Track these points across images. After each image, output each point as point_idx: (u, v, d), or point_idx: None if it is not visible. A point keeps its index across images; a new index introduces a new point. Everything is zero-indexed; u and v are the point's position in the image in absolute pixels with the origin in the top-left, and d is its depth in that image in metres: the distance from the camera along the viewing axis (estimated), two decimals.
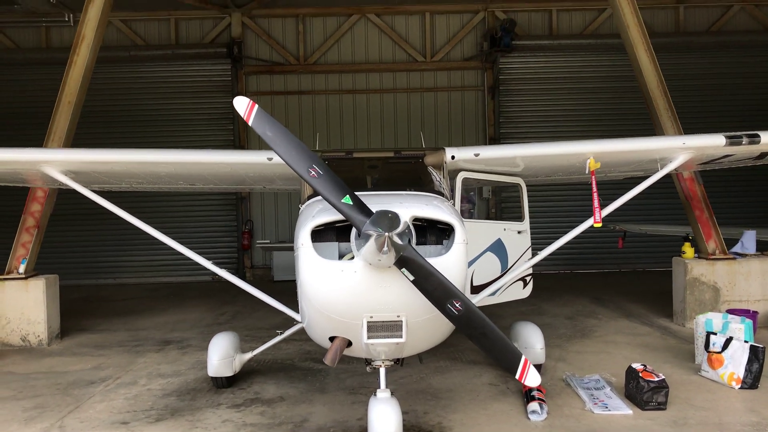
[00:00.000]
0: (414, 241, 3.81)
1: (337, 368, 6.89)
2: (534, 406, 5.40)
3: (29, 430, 5.43)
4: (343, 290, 3.82)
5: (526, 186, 6.58)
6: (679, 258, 9.15)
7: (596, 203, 5.77)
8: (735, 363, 6.15)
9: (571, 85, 15.43)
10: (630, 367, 5.83)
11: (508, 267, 6.29)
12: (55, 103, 8.65)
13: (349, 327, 3.99)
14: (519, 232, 6.45)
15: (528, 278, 6.59)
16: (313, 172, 3.63)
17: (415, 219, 3.96)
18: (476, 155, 5.72)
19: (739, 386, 6.03)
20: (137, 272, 15.18)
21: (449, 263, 3.88)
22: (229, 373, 6.20)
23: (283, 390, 6.31)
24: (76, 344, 8.68)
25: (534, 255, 6.29)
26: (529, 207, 6.50)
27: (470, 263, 5.89)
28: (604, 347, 7.89)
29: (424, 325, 4.00)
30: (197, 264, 6.05)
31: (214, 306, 11.65)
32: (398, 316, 3.85)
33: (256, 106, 3.78)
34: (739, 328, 6.54)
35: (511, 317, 9.95)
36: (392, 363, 4.58)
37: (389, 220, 3.51)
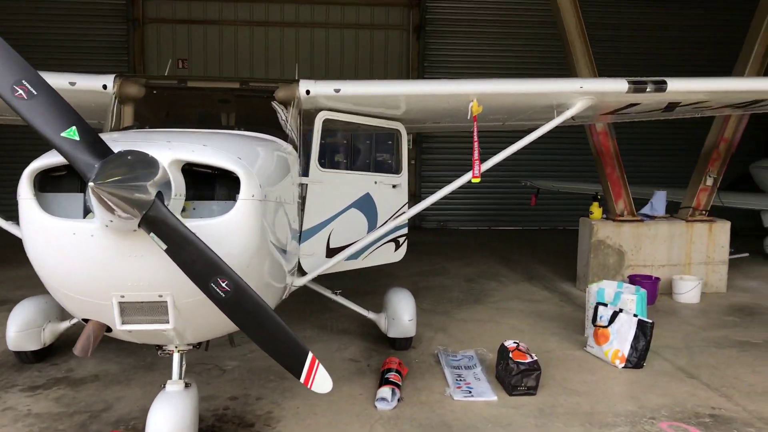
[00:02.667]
0: (176, 194, 2.79)
1: None
2: (384, 392, 4.62)
3: None
4: (77, 260, 2.80)
5: (408, 134, 5.65)
6: (585, 218, 8.52)
7: (476, 155, 4.91)
8: (621, 339, 5.53)
9: (502, 29, 14.39)
10: (502, 345, 5.11)
11: (378, 226, 5.39)
12: None
13: (98, 308, 2.99)
14: (394, 186, 5.54)
15: (401, 239, 5.72)
16: (20, 91, 2.54)
17: (196, 165, 2.95)
18: (336, 91, 4.71)
19: (623, 365, 5.44)
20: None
21: (230, 227, 2.91)
22: (36, 347, 5.15)
23: (104, 366, 5.31)
24: None
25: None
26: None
27: (327, 222, 5.00)
28: (494, 315, 7.23)
29: (203, 306, 3.02)
30: None
31: None
32: (160, 296, 2.88)
33: None
34: (631, 299, 5.93)
35: (407, 278, 9.31)
36: (190, 347, 3.66)
37: (127, 165, 2.50)
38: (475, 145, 4.91)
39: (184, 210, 3.01)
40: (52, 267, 2.85)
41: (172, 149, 2.79)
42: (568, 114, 5.05)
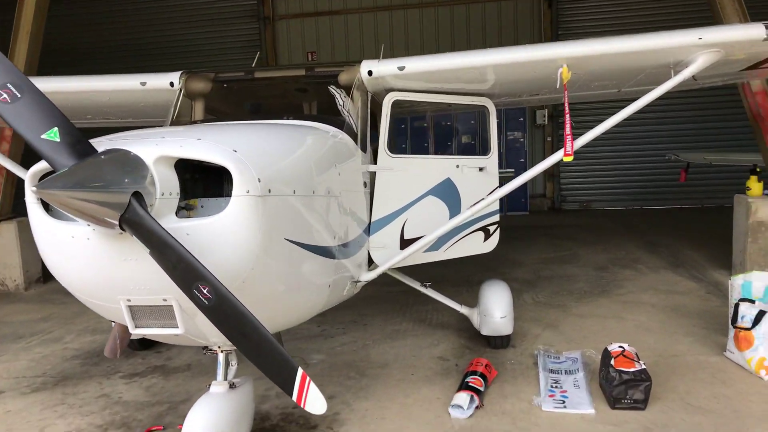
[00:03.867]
0: (163, 194, 2.60)
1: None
2: (460, 398, 4.17)
3: None
4: (79, 263, 2.75)
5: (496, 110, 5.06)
6: (742, 196, 7.16)
7: (568, 129, 4.20)
8: None
9: None
10: (605, 349, 4.38)
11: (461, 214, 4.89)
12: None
13: (112, 312, 2.94)
14: (480, 170, 4.99)
15: (492, 228, 5.16)
16: (5, 95, 2.51)
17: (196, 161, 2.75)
18: (401, 69, 4.30)
19: None
20: None
21: (224, 227, 2.67)
22: None
23: (199, 356, 5.48)
24: (52, 290, 8.39)
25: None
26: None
27: (400, 211, 4.64)
28: (620, 310, 6.33)
29: None
30: None
31: None
32: (164, 300, 2.74)
33: None
34: None
35: (529, 265, 8.60)
36: (233, 348, 3.54)
37: (94, 167, 2.38)
38: (567, 118, 4.20)
39: (191, 209, 2.85)
40: (60, 270, 2.85)
41: (158, 145, 2.63)
42: (686, 73, 4.12)
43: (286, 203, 2.96)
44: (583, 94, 5.30)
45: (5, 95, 2.49)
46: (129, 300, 2.81)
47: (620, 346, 4.31)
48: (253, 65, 6.25)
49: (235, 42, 14.21)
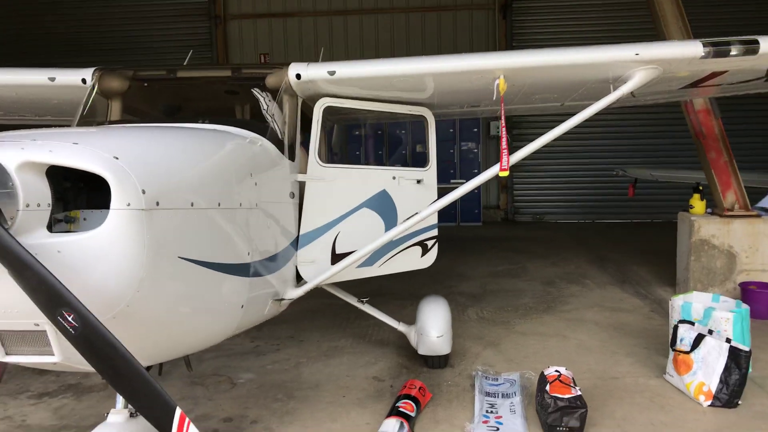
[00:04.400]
0: (28, 204, 2.27)
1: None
2: (389, 424, 3.90)
3: None
4: None
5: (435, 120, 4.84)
6: (685, 213, 7.15)
7: (503, 143, 4.02)
8: (707, 369, 4.38)
9: (600, 1, 12.88)
10: (541, 374, 4.19)
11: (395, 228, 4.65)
12: None
13: None
14: (418, 182, 4.75)
15: (430, 242, 4.93)
16: None
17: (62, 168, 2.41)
18: (331, 73, 4.03)
19: (709, 402, 4.29)
20: None
21: (99, 245, 2.35)
22: None
23: None
24: None
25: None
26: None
27: (331, 224, 4.36)
28: (563, 327, 6.19)
29: (112, 329, 2.46)
30: None
31: None
32: (36, 324, 2.39)
33: None
34: (726, 318, 4.71)
35: (476, 279, 8.44)
36: None
37: None
38: (503, 131, 4.02)
39: (72, 221, 2.52)
40: None
41: (24, 149, 2.29)
42: (625, 89, 3.99)
43: (180, 217, 2.64)
44: (524, 106, 5.16)
45: None
46: None
47: (557, 370, 4.12)
48: (184, 63, 5.90)
49: (185, 41, 13.72)
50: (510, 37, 13.10)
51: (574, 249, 10.62)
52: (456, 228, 13.46)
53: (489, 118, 13.00)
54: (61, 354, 2.49)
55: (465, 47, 13.33)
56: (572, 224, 13.61)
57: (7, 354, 2.54)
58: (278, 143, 3.90)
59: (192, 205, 2.69)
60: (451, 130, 13.54)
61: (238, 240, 3.18)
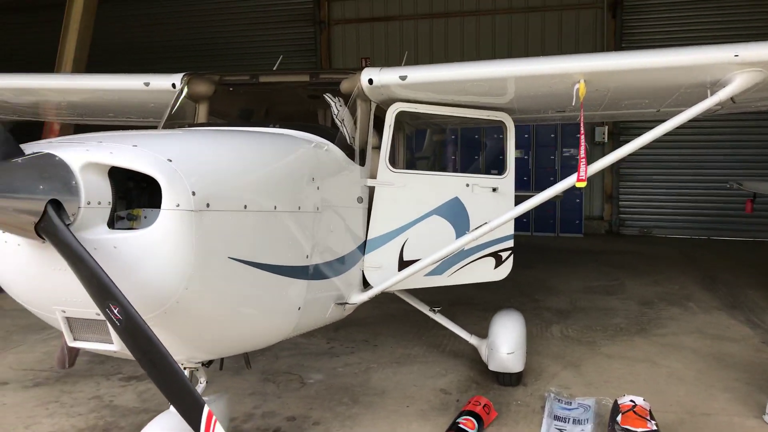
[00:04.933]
0: (89, 202, 2.41)
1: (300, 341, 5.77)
2: None
3: None
4: (12, 269, 2.61)
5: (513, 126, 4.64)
6: None
7: (582, 152, 3.78)
8: None
9: None
10: (615, 402, 3.88)
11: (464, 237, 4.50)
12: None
13: (52, 321, 2.79)
14: (494, 190, 4.58)
15: (504, 254, 4.72)
16: None
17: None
18: (402, 78, 3.97)
19: None
20: None
21: (150, 243, 2.44)
22: None
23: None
24: None
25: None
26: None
27: (400, 230, 4.31)
28: (655, 353, 5.71)
29: (154, 327, 2.57)
30: None
31: None
32: (98, 314, 2.54)
33: None
34: None
35: (566, 294, 8.03)
36: (199, 365, 3.33)
37: (6, 171, 2.22)
38: (581, 139, 3.77)
39: (134, 219, 2.65)
40: None
41: (88, 150, 2.43)
42: (723, 94, 3.59)
43: (232, 219, 2.70)
44: (614, 112, 4.81)
45: None
46: (64, 311, 2.65)
47: (632, 400, 3.80)
48: (274, 68, 6.09)
49: (290, 45, 14.23)
50: (619, 37, 12.35)
51: (681, 267, 9.81)
52: (554, 239, 12.91)
53: (594, 123, 12.36)
54: (119, 343, 2.63)
55: (570, 49, 12.75)
56: (683, 240, 12.59)
57: (74, 339, 2.74)
58: (347, 148, 3.90)
59: (245, 207, 2.76)
60: (553, 135, 13.01)
61: (295, 242, 3.21)
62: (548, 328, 6.50)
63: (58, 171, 2.32)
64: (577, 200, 12.92)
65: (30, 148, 2.42)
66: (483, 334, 5.14)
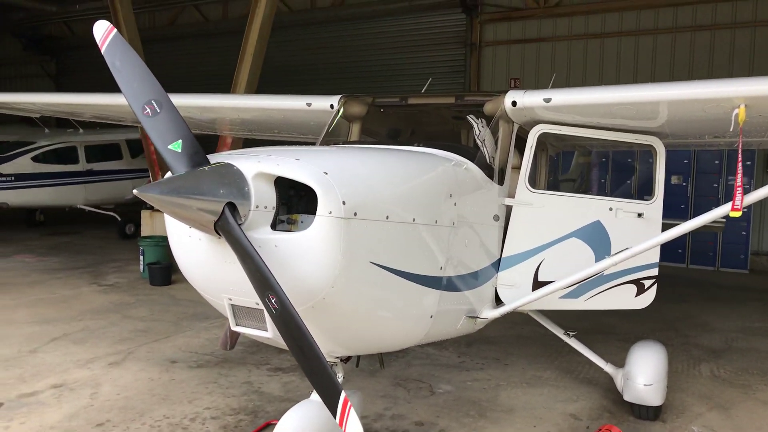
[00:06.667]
0: (258, 206, 2.80)
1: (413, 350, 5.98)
2: None
3: (107, 348, 6.17)
4: (193, 260, 3.08)
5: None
6: None
7: (739, 180, 3.60)
8: None
9: None
10: None
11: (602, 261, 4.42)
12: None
13: (220, 307, 3.24)
14: (639, 215, 4.46)
15: (647, 282, 4.55)
16: (148, 110, 2.92)
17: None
18: (547, 101, 4.05)
19: None
20: None
21: (306, 244, 2.77)
22: None
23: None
24: None
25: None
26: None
27: (536, 250, 4.37)
28: None
29: (305, 318, 2.91)
30: None
31: None
32: (257, 304, 2.93)
33: (114, 31, 3.18)
34: None
35: (721, 333, 7.40)
36: (338, 360, 3.66)
37: (195, 177, 2.68)
38: (739, 167, 3.59)
39: (292, 222, 3.03)
40: (181, 264, 3.22)
41: (260, 162, 2.83)
42: None
43: (375, 227, 2.97)
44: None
45: (149, 110, 2.91)
46: (230, 299, 3.09)
47: None
48: (422, 90, 6.40)
49: (441, 66, 14.64)
50: None
51: None
52: (713, 273, 11.87)
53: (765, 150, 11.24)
54: (272, 331, 3.01)
55: (743, 71, 11.73)
56: None
57: (236, 324, 3.17)
58: (486, 167, 4.05)
59: (387, 218, 3.02)
60: (717, 162, 12.02)
61: (430, 253, 3.43)
62: (696, 366, 6.07)
63: (235, 178, 2.75)
64: (743, 233, 11.77)
65: (214, 158, 2.89)
66: (621, 364, 4.97)
